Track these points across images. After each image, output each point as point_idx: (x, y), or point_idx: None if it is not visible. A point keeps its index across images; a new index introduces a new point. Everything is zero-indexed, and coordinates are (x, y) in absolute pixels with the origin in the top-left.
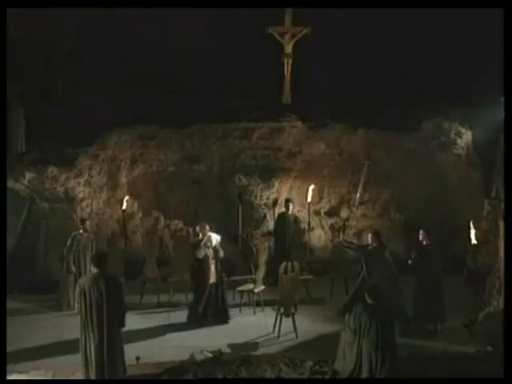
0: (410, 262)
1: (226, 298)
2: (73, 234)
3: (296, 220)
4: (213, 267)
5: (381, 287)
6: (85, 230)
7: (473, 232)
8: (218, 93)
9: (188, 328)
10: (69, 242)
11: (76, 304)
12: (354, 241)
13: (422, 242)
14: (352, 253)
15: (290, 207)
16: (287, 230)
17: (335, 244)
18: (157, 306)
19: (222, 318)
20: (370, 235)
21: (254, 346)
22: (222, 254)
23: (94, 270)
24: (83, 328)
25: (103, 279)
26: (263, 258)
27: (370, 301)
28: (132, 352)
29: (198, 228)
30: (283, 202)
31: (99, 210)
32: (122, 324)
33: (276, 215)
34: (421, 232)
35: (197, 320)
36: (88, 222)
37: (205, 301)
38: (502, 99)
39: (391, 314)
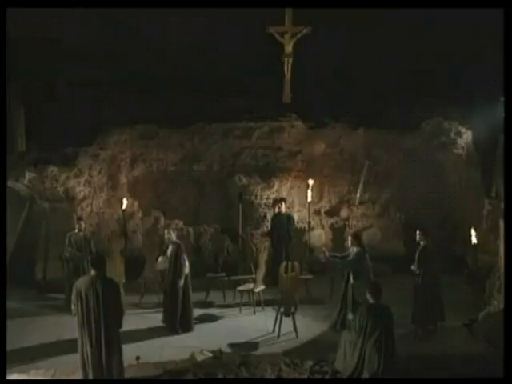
0: (412, 267)
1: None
2: (68, 234)
3: (289, 219)
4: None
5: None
6: (79, 230)
7: (474, 232)
8: (218, 93)
9: (167, 333)
10: (66, 243)
11: (73, 306)
12: (338, 254)
13: (419, 242)
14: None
15: (282, 207)
16: (281, 231)
17: (323, 259)
18: (157, 305)
19: (186, 326)
20: (349, 237)
21: (253, 345)
22: (187, 267)
23: (92, 272)
24: (80, 329)
25: (100, 281)
26: (263, 258)
27: (371, 300)
28: (132, 352)
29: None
30: (278, 202)
31: (99, 209)
32: (119, 326)
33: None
34: (418, 232)
35: (170, 325)
36: (83, 222)
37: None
38: (502, 99)
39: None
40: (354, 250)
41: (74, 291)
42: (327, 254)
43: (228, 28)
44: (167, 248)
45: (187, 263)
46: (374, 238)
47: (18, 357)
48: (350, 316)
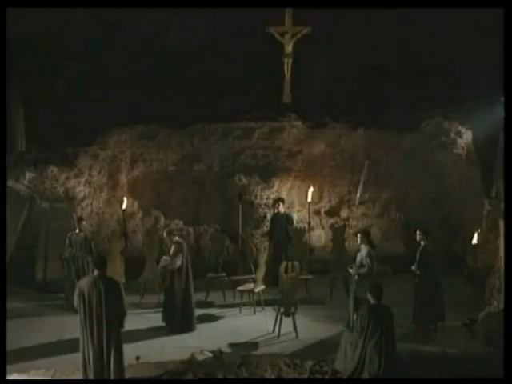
0: (413, 267)
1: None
2: (69, 234)
3: (288, 218)
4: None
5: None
6: (80, 230)
7: (476, 232)
8: (218, 93)
9: (167, 333)
10: (66, 243)
11: (75, 305)
12: (354, 265)
13: (419, 242)
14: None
15: (280, 207)
16: (280, 231)
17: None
18: (157, 305)
19: (187, 326)
20: (359, 235)
21: (253, 345)
22: (177, 264)
23: (95, 272)
24: (82, 329)
25: (103, 282)
26: (263, 258)
27: (372, 301)
28: (132, 352)
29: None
30: (276, 202)
31: (99, 209)
32: (121, 326)
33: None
34: (418, 232)
35: (171, 324)
36: (84, 222)
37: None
38: (502, 99)
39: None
40: (363, 248)
41: (77, 291)
42: (354, 268)
43: (228, 28)
44: (170, 248)
45: (179, 261)
46: (374, 237)
47: (18, 357)
48: (354, 316)
